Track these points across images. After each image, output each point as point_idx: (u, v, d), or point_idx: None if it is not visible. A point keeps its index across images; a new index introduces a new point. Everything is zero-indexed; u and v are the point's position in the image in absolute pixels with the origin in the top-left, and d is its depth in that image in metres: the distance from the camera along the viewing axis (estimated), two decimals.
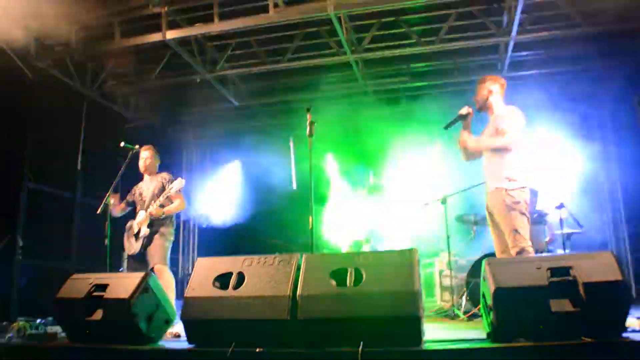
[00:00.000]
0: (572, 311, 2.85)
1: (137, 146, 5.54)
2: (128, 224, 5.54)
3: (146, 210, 5.37)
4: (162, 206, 5.32)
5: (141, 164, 5.65)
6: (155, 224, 5.37)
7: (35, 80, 7.84)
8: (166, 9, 7.24)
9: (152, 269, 5.16)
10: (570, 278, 2.91)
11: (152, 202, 5.39)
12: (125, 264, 5.53)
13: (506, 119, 4.32)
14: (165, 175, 5.64)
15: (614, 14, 7.39)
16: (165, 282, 4.92)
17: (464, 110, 4.51)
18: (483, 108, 4.55)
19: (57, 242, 8.18)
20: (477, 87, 4.59)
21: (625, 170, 8.95)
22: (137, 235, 5.38)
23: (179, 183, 5.29)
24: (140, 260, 5.36)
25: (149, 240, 5.32)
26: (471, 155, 4.56)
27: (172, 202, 5.42)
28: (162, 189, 5.47)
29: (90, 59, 8.73)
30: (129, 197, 5.70)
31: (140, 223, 5.37)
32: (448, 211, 6.54)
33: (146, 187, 5.64)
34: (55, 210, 8.23)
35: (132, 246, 5.41)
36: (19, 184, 7.37)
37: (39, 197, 7.68)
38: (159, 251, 5.30)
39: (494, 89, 4.51)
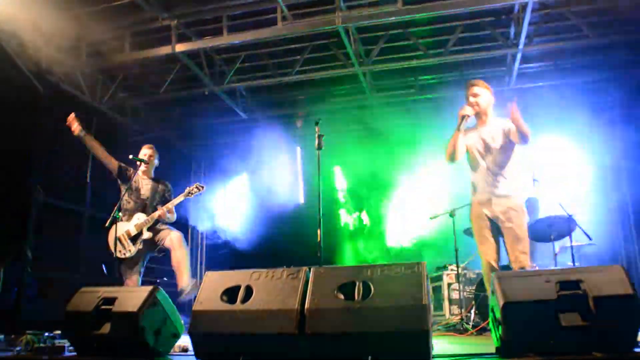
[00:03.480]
0: (582, 325, 2.81)
1: (145, 159, 5.58)
2: (117, 227, 5.24)
3: (148, 214, 5.38)
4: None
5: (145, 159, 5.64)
6: (156, 225, 5.41)
7: (46, 94, 7.91)
8: (175, 22, 7.31)
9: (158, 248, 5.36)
10: (580, 292, 2.88)
11: (155, 206, 5.46)
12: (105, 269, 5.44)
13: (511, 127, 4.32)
14: (167, 185, 5.70)
15: (622, 24, 7.39)
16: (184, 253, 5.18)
17: (469, 111, 4.39)
18: (481, 113, 4.48)
19: (66, 255, 8.20)
20: (478, 91, 4.47)
21: (635, 182, 8.88)
22: (134, 239, 5.30)
23: (198, 190, 5.50)
24: (132, 264, 5.30)
25: (155, 234, 5.35)
26: (457, 157, 4.46)
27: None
28: (163, 197, 5.56)
29: (100, 72, 8.81)
30: (121, 169, 5.54)
31: (140, 225, 5.31)
32: (456, 224, 6.51)
33: (146, 186, 5.55)
34: (64, 223, 8.26)
35: (125, 249, 5.27)
36: (28, 197, 7.41)
37: (48, 210, 7.71)
38: (174, 230, 5.41)
39: (492, 99, 4.53)
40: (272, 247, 10.09)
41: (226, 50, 8.39)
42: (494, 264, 4.26)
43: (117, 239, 5.22)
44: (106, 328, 3.55)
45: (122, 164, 5.59)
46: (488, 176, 4.37)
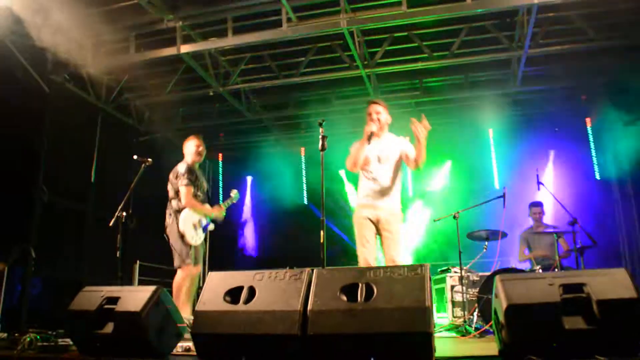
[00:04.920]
0: (585, 329, 2.80)
1: (150, 159, 5.56)
2: (192, 213, 5.56)
3: (212, 206, 5.75)
4: None
5: (200, 152, 5.88)
6: None
7: (52, 94, 7.94)
8: (180, 23, 7.32)
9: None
10: (583, 295, 2.88)
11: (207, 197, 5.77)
12: (185, 256, 5.53)
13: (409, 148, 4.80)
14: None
15: (628, 27, 7.38)
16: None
17: (374, 128, 4.75)
18: (380, 129, 4.84)
19: (70, 254, 8.23)
20: (379, 109, 4.88)
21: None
22: (205, 227, 5.64)
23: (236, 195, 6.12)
24: (199, 252, 5.60)
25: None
26: (358, 167, 4.81)
27: None
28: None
29: (105, 73, 8.83)
30: (193, 178, 5.68)
31: (219, 213, 5.76)
32: (460, 226, 6.49)
33: (202, 178, 5.85)
34: (68, 222, 8.28)
35: (198, 236, 5.57)
36: (32, 196, 7.43)
37: (52, 209, 7.73)
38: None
39: (389, 118, 4.94)
40: (276, 248, 10.11)
41: (231, 52, 8.41)
42: (372, 265, 4.64)
43: (194, 226, 5.56)
44: (109, 328, 3.55)
45: (191, 176, 5.69)
46: (376, 185, 4.76)
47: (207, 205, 5.71)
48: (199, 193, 5.66)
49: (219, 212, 5.77)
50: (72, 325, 3.76)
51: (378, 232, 4.75)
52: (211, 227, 5.74)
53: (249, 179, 11.61)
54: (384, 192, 4.75)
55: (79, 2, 6.61)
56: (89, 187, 8.75)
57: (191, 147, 5.84)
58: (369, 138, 4.68)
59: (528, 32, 7.04)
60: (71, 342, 3.89)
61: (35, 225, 7.44)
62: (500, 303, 3.00)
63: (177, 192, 5.64)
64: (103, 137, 9.10)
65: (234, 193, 5.98)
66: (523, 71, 8.24)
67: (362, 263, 4.67)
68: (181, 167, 5.69)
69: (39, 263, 7.23)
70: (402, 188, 4.94)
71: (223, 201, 5.89)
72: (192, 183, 5.60)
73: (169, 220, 5.65)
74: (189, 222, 5.52)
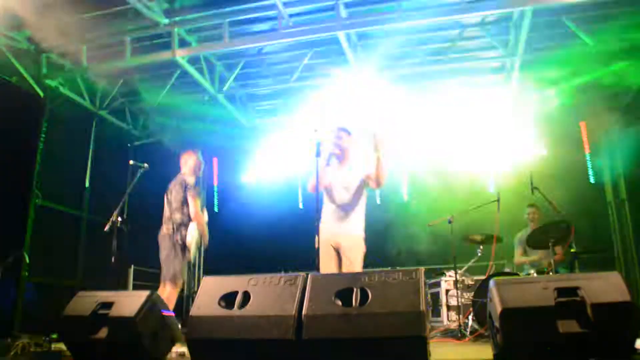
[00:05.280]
0: (580, 332, 2.81)
1: (145, 164, 5.54)
2: (197, 226, 5.49)
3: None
4: None
5: (200, 167, 5.82)
6: None
7: (46, 98, 7.93)
8: (176, 27, 7.31)
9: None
10: (577, 299, 2.88)
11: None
12: (181, 273, 5.45)
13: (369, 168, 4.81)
14: None
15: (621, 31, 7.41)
16: None
17: (335, 150, 4.87)
18: (343, 154, 4.93)
19: (64, 260, 8.20)
20: (341, 134, 4.95)
21: (634, 188, 8.89)
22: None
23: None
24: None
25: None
26: (320, 188, 4.78)
27: None
28: None
29: (100, 77, 8.82)
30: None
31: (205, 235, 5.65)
32: (454, 230, 6.51)
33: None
34: (63, 228, 8.26)
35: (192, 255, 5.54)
36: (26, 201, 7.41)
37: (46, 214, 7.70)
38: None
39: (352, 145, 5.01)
40: (271, 252, 10.08)
41: (227, 56, 8.40)
42: None
43: (196, 242, 5.50)
44: (103, 332, 3.54)
45: (198, 186, 5.66)
46: (340, 211, 4.81)
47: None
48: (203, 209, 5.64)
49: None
50: (67, 331, 3.75)
51: (338, 257, 4.78)
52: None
53: (247, 179, 11.55)
54: (345, 218, 4.78)
55: (74, 6, 6.60)
56: (83, 192, 8.73)
57: (191, 163, 5.75)
58: (329, 159, 4.76)
59: (522, 36, 7.06)
60: (64, 348, 3.87)
61: (30, 230, 7.41)
62: (494, 307, 3.00)
63: (183, 204, 5.50)
64: (98, 141, 9.09)
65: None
66: (518, 76, 8.25)
67: None
68: (190, 179, 5.60)
69: (33, 268, 7.20)
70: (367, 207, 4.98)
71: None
72: (199, 196, 5.55)
73: (170, 232, 5.49)
74: (195, 237, 5.43)
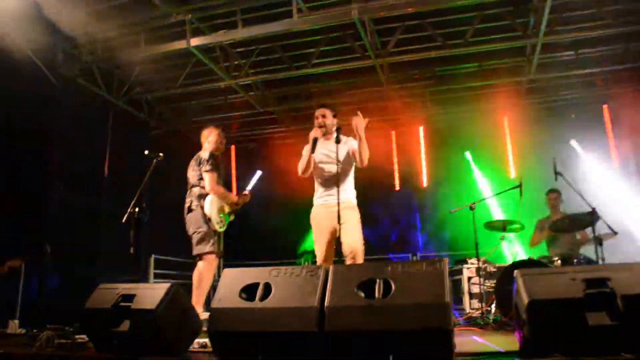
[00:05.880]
0: (610, 325, 2.74)
1: (160, 154, 5.53)
2: (216, 199, 5.53)
3: (237, 195, 5.81)
4: None
5: (221, 141, 5.83)
6: None
7: (62, 89, 7.95)
8: (190, 16, 7.27)
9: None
10: (607, 290, 2.80)
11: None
12: (211, 242, 5.46)
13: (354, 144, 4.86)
14: None
15: None
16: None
17: (318, 134, 4.87)
18: (327, 132, 4.96)
19: (84, 250, 8.26)
20: (324, 112, 5.00)
21: None
22: (228, 216, 5.66)
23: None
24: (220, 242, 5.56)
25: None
26: (308, 172, 4.92)
27: None
28: None
29: (116, 67, 8.83)
30: (216, 164, 5.66)
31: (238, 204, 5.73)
32: (476, 217, 6.42)
33: (222, 167, 5.80)
34: (83, 218, 8.30)
35: (222, 224, 5.58)
36: (46, 192, 7.46)
37: (66, 205, 7.75)
38: None
39: (336, 121, 5.01)
40: (289, 241, 10.12)
41: (241, 44, 8.34)
42: (329, 259, 4.78)
43: (219, 211, 5.54)
44: (125, 325, 3.54)
45: (215, 162, 5.65)
46: (331, 183, 4.82)
47: (230, 194, 5.73)
48: (219, 181, 5.64)
49: (243, 199, 5.78)
50: (89, 323, 3.76)
51: (337, 226, 4.73)
52: (231, 217, 5.70)
53: (259, 173, 11.57)
54: (336, 189, 4.71)
55: None
56: (102, 182, 8.76)
57: (214, 137, 5.80)
58: (314, 144, 4.76)
59: (543, 19, 6.90)
60: (88, 339, 3.89)
61: (50, 221, 7.47)
62: (521, 299, 2.93)
63: (200, 179, 5.59)
64: (115, 131, 9.11)
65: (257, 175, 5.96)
66: (538, 58, 8.09)
67: (320, 262, 4.84)
68: (204, 154, 5.65)
69: (54, 258, 7.26)
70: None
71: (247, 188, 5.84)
72: (216, 169, 5.58)
73: (193, 206, 5.56)
74: (215, 207, 5.47)
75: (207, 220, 5.43)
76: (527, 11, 7.39)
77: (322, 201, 4.93)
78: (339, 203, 4.42)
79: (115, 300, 3.63)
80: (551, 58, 8.62)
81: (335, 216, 4.46)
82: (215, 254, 5.46)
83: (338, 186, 4.58)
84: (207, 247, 5.39)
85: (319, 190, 4.99)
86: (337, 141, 4.45)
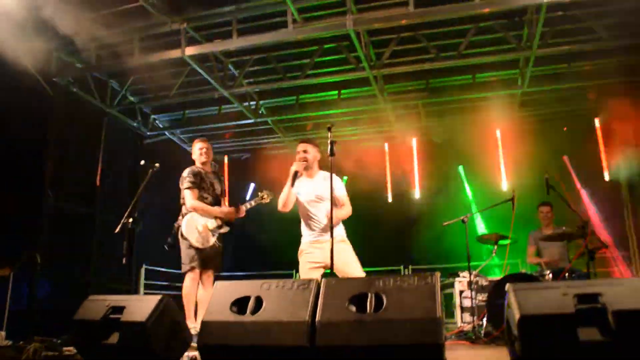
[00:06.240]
0: (601, 341, 2.72)
1: (157, 164, 5.51)
2: (197, 215, 5.46)
3: (228, 206, 5.64)
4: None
5: (204, 152, 5.73)
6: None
7: (56, 97, 7.92)
8: (185, 25, 7.27)
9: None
10: (598, 306, 2.80)
11: (221, 199, 5.64)
12: (190, 260, 5.39)
13: (343, 189, 4.89)
14: (222, 176, 5.92)
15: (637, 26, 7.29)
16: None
17: (299, 167, 4.83)
18: (309, 167, 4.91)
19: (77, 259, 8.20)
20: (306, 147, 4.94)
21: None
22: (215, 230, 5.48)
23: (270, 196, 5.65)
24: (209, 256, 5.43)
25: (219, 240, 5.51)
26: (289, 207, 4.91)
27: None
28: (222, 190, 5.76)
29: (110, 76, 8.81)
30: (197, 181, 5.57)
31: (223, 218, 5.51)
32: (469, 231, 6.42)
33: (215, 181, 5.69)
34: (75, 227, 8.25)
35: (208, 240, 5.43)
36: (38, 201, 7.41)
37: (58, 214, 7.70)
38: (221, 258, 5.57)
39: (318, 156, 5.00)
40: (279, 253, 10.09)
41: (236, 54, 8.35)
42: None
43: (198, 229, 5.43)
44: (115, 338, 3.50)
45: (195, 179, 5.59)
46: (317, 223, 4.82)
47: (216, 207, 5.57)
48: (205, 195, 5.55)
49: (228, 216, 5.58)
50: (77, 335, 3.72)
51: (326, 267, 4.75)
52: (224, 229, 5.59)
53: (252, 186, 11.59)
54: (325, 228, 4.72)
55: (83, 6, 6.57)
56: (95, 191, 8.72)
57: (195, 150, 5.79)
58: (294, 178, 4.76)
59: (537, 32, 6.95)
60: (76, 351, 3.85)
61: (42, 229, 7.42)
62: (513, 314, 2.92)
63: (181, 198, 5.60)
64: (109, 140, 9.08)
65: (265, 194, 5.68)
66: (532, 71, 8.13)
67: None
68: (185, 172, 5.63)
69: (46, 267, 7.20)
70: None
71: (247, 201, 5.72)
72: (196, 185, 5.51)
73: (177, 224, 5.57)
74: (192, 225, 5.42)
75: (185, 239, 5.39)
76: (520, 24, 7.43)
77: (310, 240, 4.89)
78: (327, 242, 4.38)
79: (104, 312, 3.60)
80: (544, 71, 8.67)
81: (327, 255, 4.41)
82: (199, 269, 5.38)
83: (326, 226, 4.58)
84: (186, 266, 5.39)
85: (305, 231, 4.96)
86: (332, 154, 4.41)
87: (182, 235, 5.42)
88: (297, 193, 4.91)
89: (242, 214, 5.62)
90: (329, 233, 4.43)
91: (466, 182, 10.36)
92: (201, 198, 5.52)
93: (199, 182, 5.55)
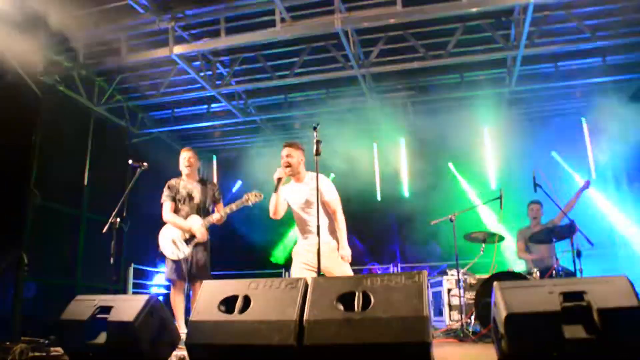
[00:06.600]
0: (586, 338, 2.75)
1: (145, 163, 5.49)
2: (168, 228, 5.47)
3: (202, 216, 5.44)
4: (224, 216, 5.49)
5: (185, 164, 5.62)
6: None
7: (43, 96, 7.85)
8: (173, 24, 7.24)
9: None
10: (584, 304, 2.82)
11: (208, 207, 5.52)
12: (168, 271, 5.44)
13: (332, 192, 4.80)
14: (215, 184, 5.80)
15: (624, 26, 7.36)
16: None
17: (282, 174, 4.73)
18: (294, 172, 4.80)
19: (63, 259, 8.14)
20: (290, 152, 4.80)
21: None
22: (189, 240, 5.39)
23: (257, 198, 5.43)
24: (193, 266, 5.37)
25: (199, 249, 5.41)
26: (279, 214, 4.88)
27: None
28: (213, 197, 5.60)
29: (97, 75, 8.76)
30: (172, 193, 5.56)
31: (201, 229, 5.38)
32: (456, 229, 6.45)
33: (196, 189, 5.58)
34: (61, 227, 8.20)
35: (179, 251, 5.37)
36: (25, 200, 7.34)
37: (44, 213, 7.64)
38: (208, 266, 5.47)
39: (303, 158, 4.89)
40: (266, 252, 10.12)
41: (224, 53, 8.33)
42: None
43: (173, 242, 5.41)
44: (102, 338, 3.49)
45: (170, 194, 5.58)
46: (308, 227, 4.77)
47: (188, 220, 5.44)
48: (180, 207, 5.52)
49: (200, 231, 5.40)
50: (64, 335, 3.70)
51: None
52: (202, 238, 5.43)
53: (239, 183, 11.56)
54: (315, 235, 4.58)
55: (70, 4, 6.52)
56: (82, 190, 8.66)
57: (180, 161, 5.71)
58: (277, 185, 4.71)
59: (524, 31, 6.99)
60: (63, 352, 3.83)
61: (28, 229, 7.35)
62: (499, 312, 2.94)
63: None
64: (95, 139, 9.02)
65: (250, 195, 5.45)
66: (519, 70, 8.18)
67: None
68: (166, 185, 5.66)
69: (32, 268, 7.14)
70: None
71: (229, 204, 5.55)
72: (170, 198, 5.53)
73: None
74: (167, 238, 5.46)
75: (161, 251, 5.47)
76: (508, 23, 7.47)
77: (305, 245, 4.85)
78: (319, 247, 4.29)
79: (92, 312, 3.58)
80: (532, 70, 8.73)
81: (322, 259, 4.38)
82: (177, 280, 5.40)
83: (315, 233, 4.45)
84: (166, 277, 5.50)
85: (300, 235, 4.92)
86: (317, 154, 4.38)
87: (159, 247, 5.51)
88: (287, 199, 4.87)
89: (219, 222, 5.49)
90: (323, 238, 4.48)
91: (456, 177, 10.39)
92: (176, 210, 5.52)
93: (173, 194, 5.56)
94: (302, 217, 4.83)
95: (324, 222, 4.76)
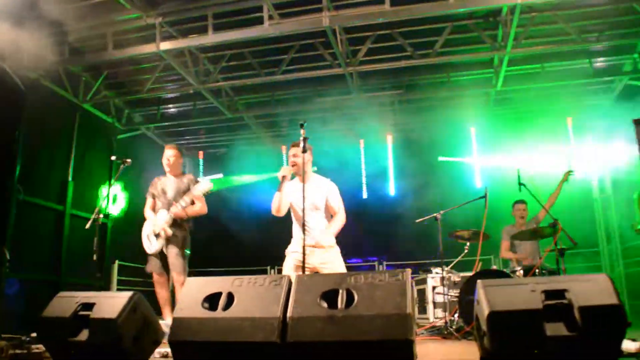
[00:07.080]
0: (567, 335, 2.78)
1: (128, 159, 5.46)
2: (146, 224, 5.52)
3: (169, 210, 5.40)
4: (184, 207, 5.42)
5: (165, 163, 5.62)
6: (176, 226, 5.43)
7: (27, 91, 7.76)
8: (160, 20, 7.20)
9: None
10: (565, 301, 2.85)
11: (175, 202, 5.44)
12: (149, 265, 5.47)
13: (338, 198, 4.83)
14: (191, 176, 5.72)
15: (610, 28, 7.44)
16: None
17: (286, 172, 4.72)
18: (299, 172, 4.74)
19: (47, 255, 8.07)
20: (296, 151, 4.72)
21: (619, 184, 8.94)
22: (158, 235, 5.41)
23: (206, 185, 5.40)
24: (162, 259, 5.42)
25: (169, 242, 5.40)
26: (282, 212, 4.83)
27: (193, 205, 5.49)
28: (188, 190, 5.51)
29: (83, 70, 8.68)
30: (152, 190, 5.62)
31: (162, 224, 5.37)
32: (441, 227, 6.47)
33: (170, 185, 5.58)
34: (45, 222, 8.12)
35: (152, 245, 5.43)
36: (7, 195, 7.25)
37: (27, 209, 7.56)
38: (180, 260, 5.40)
39: (310, 158, 4.84)
40: (251, 249, 10.08)
41: (212, 49, 8.30)
42: None
43: (147, 237, 5.46)
44: (84, 335, 3.46)
45: (151, 190, 5.64)
46: (310, 230, 4.67)
47: (153, 216, 5.51)
48: (158, 202, 5.56)
49: (163, 221, 5.39)
50: (46, 333, 3.66)
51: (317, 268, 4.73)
52: (166, 233, 5.39)
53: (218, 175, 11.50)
54: (318, 237, 4.68)
55: None
56: (66, 186, 8.58)
57: (162, 159, 5.72)
58: (281, 183, 4.70)
59: (511, 32, 7.03)
60: (44, 349, 3.79)
61: (11, 225, 7.26)
62: (482, 309, 2.96)
63: None
64: (80, 135, 8.94)
65: (202, 185, 5.42)
66: (506, 71, 8.23)
67: None
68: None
69: (14, 264, 7.06)
70: None
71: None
72: (151, 195, 5.63)
73: None
74: (144, 233, 5.53)
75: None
76: (495, 24, 7.51)
77: (299, 248, 4.65)
78: (316, 249, 4.37)
79: (74, 309, 3.54)
80: (518, 70, 8.79)
81: (315, 265, 4.50)
82: (152, 273, 5.48)
83: (317, 232, 4.57)
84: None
85: (297, 236, 4.87)
86: (304, 151, 4.39)
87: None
88: (291, 199, 4.84)
89: (178, 216, 5.41)
90: (320, 241, 4.54)
91: (443, 175, 10.38)
92: (153, 206, 5.61)
93: (153, 190, 5.63)
94: (304, 219, 4.70)
95: (325, 224, 4.78)
